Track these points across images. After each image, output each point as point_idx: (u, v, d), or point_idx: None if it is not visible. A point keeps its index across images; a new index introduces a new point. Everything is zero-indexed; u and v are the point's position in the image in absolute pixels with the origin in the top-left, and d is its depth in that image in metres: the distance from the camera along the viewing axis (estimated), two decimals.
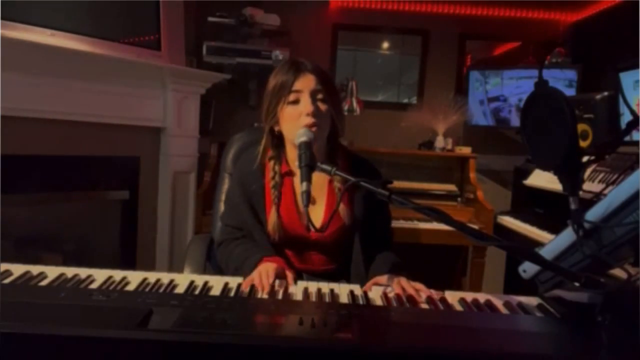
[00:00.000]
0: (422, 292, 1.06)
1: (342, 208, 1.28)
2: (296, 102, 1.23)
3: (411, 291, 1.06)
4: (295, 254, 1.33)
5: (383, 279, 1.16)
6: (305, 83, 1.24)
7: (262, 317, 0.82)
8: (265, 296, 1.01)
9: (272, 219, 1.28)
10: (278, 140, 1.32)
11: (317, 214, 1.29)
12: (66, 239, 2.40)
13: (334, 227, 1.27)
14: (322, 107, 1.24)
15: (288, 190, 1.30)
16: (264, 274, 1.09)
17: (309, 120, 1.21)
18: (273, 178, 1.30)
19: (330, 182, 1.31)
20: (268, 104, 1.28)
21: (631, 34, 2.17)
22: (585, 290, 0.86)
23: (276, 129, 1.30)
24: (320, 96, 1.25)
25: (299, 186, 1.10)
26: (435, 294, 1.06)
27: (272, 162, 1.32)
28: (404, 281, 1.11)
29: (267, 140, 1.33)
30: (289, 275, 1.14)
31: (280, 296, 1.02)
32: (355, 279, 1.27)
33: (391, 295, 1.07)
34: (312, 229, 1.10)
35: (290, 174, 1.32)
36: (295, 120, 1.22)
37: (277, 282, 1.09)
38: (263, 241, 1.30)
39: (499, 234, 2.52)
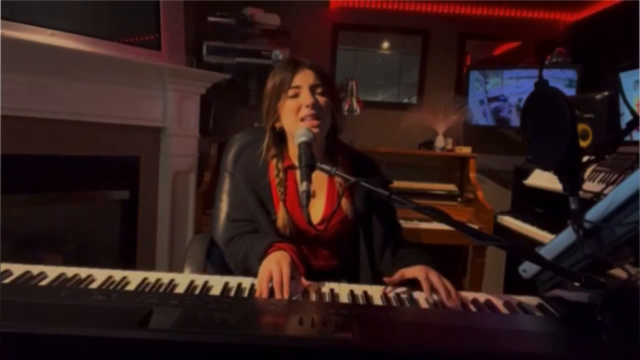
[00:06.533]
0: (450, 299, 1.00)
1: (344, 201, 1.28)
2: (296, 96, 1.25)
3: (441, 292, 1.01)
4: (298, 249, 1.32)
5: (410, 270, 1.10)
6: (304, 78, 1.25)
7: (262, 316, 0.82)
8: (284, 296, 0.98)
9: (281, 214, 1.27)
10: (279, 138, 1.33)
11: (318, 208, 1.30)
12: (66, 239, 2.40)
13: (335, 220, 1.26)
14: (322, 100, 1.25)
15: (291, 184, 1.30)
16: (276, 270, 1.02)
17: (309, 111, 1.22)
18: (277, 175, 1.31)
19: (331, 176, 1.31)
20: (268, 103, 1.29)
21: (631, 34, 2.17)
22: (585, 290, 0.86)
23: (277, 125, 1.31)
24: (319, 90, 1.26)
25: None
26: (457, 301, 1.01)
27: (274, 160, 1.33)
28: (433, 275, 1.05)
29: (270, 139, 1.33)
30: (300, 269, 1.11)
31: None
32: (362, 275, 1.27)
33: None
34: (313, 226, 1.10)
35: (293, 167, 1.32)
36: (296, 114, 1.24)
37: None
38: (271, 232, 1.28)
39: (499, 234, 2.51)
